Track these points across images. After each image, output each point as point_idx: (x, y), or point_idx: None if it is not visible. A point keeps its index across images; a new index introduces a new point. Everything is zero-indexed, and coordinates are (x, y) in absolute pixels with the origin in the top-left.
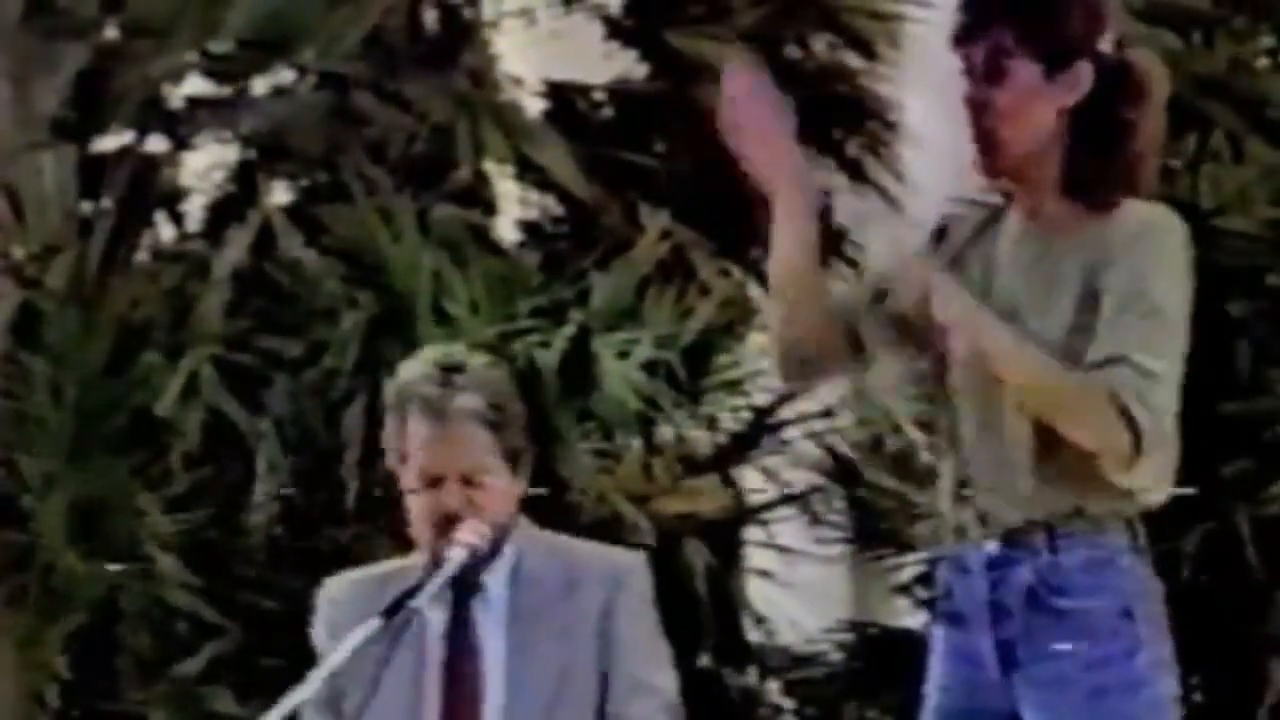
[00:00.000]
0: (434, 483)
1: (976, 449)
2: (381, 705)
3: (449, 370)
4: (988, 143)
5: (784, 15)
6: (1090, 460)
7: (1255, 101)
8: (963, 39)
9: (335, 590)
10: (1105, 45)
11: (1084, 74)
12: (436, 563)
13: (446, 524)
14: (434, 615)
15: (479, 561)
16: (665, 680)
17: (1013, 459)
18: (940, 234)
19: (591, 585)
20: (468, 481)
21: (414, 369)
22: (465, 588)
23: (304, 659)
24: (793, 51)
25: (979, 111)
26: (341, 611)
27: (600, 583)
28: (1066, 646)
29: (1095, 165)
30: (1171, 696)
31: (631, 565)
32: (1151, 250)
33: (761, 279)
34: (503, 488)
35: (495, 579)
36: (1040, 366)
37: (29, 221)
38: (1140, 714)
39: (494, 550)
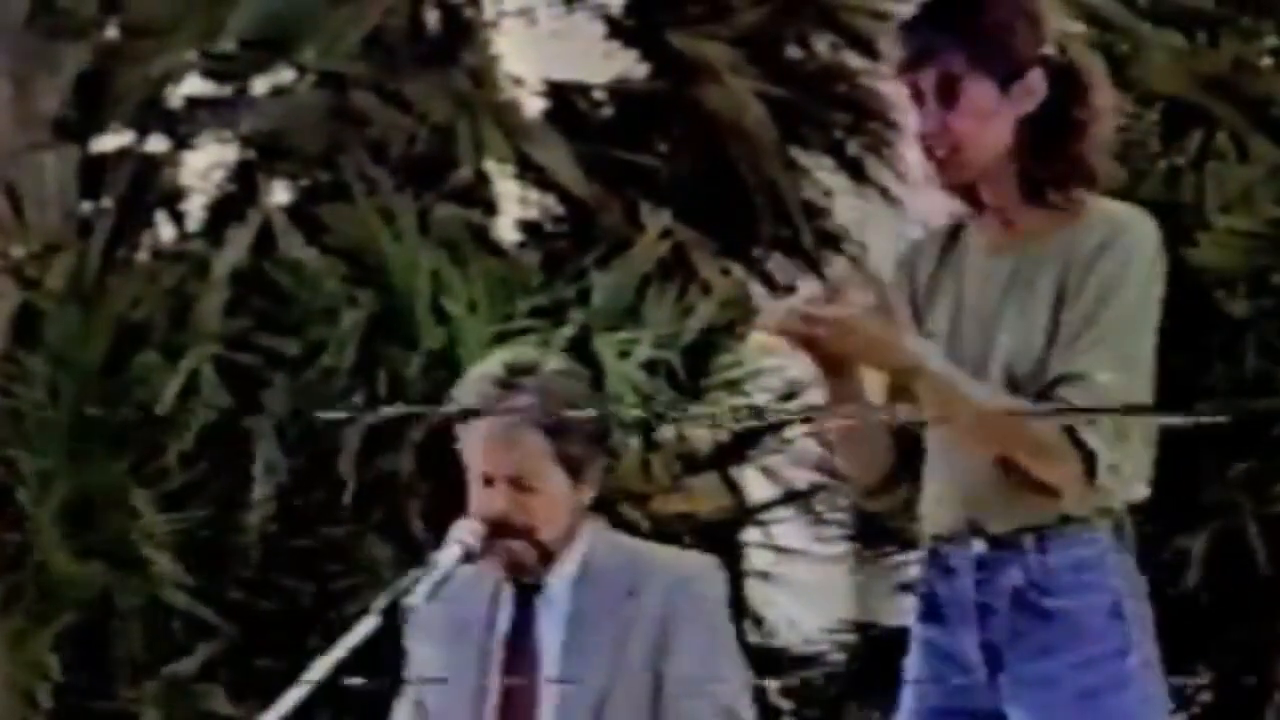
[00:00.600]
0: (488, 482)
1: (953, 463)
2: (449, 702)
3: (517, 371)
4: (946, 164)
5: (784, 15)
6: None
7: (1260, 101)
8: (909, 67)
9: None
10: (1049, 49)
11: (1037, 81)
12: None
13: (496, 526)
14: (503, 612)
15: (526, 572)
16: (726, 685)
17: (991, 469)
18: (909, 264)
19: (654, 588)
20: (518, 485)
21: (485, 367)
22: (526, 588)
23: (300, 658)
24: (793, 51)
25: (936, 136)
26: (421, 610)
27: (664, 586)
28: (1056, 647)
29: (1048, 167)
30: (1160, 694)
31: (699, 569)
32: (1119, 259)
33: (762, 278)
34: (558, 494)
35: (559, 580)
36: (989, 402)
37: (29, 221)
38: (1132, 713)
39: (547, 555)
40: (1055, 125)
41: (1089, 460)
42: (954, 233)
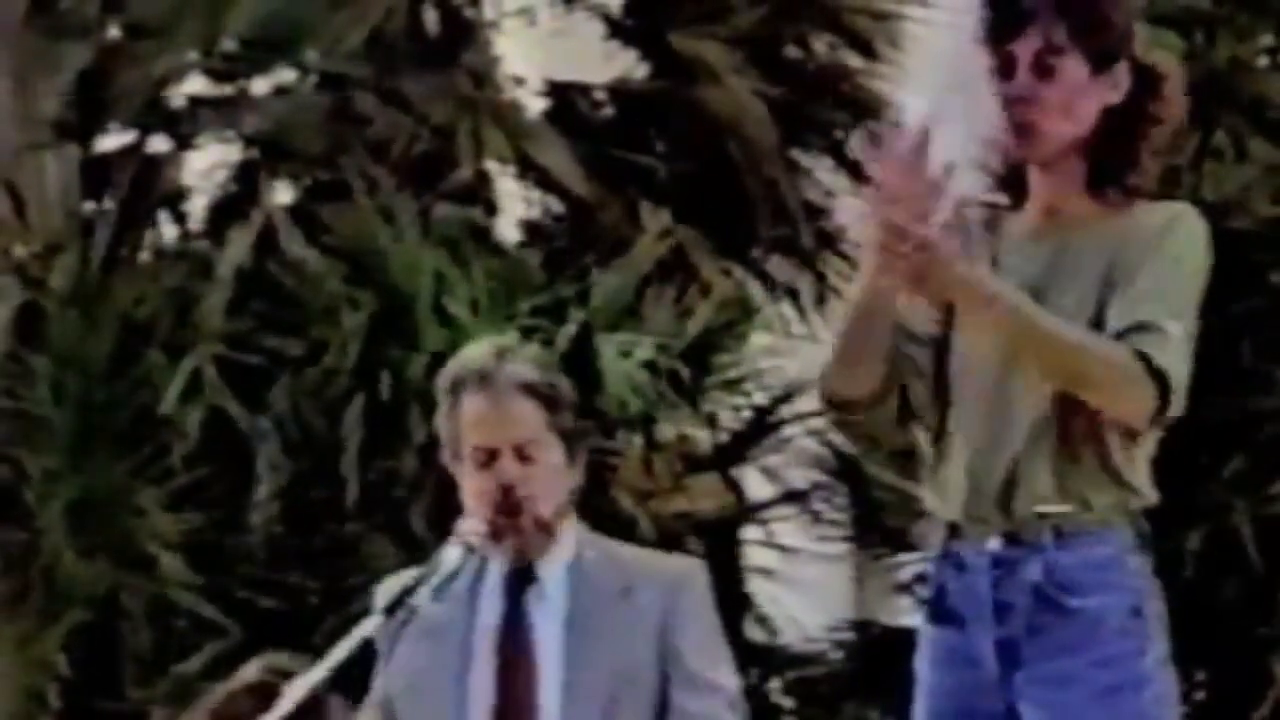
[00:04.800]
0: (488, 460)
1: (977, 446)
2: (426, 699)
3: (501, 350)
4: (1030, 137)
5: (784, 15)
6: (1096, 453)
7: (1256, 101)
8: (1006, 34)
9: (392, 586)
10: (1137, 48)
11: (1123, 74)
12: (495, 538)
13: (503, 499)
14: (486, 608)
15: (528, 552)
16: (728, 680)
17: (1018, 454)
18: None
19: (649, 590)
20: (522, 456)
21: (467, 352)
22: (519, 581)
23: (304, 657)
24: (793, 51)
25: (1025, 106)
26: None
27: (658, 588)
28: (1075, 645)
29: (1124, 162)
30: (1174, 694)
31: (688, 571)
32: (1181, 239)
33: (761, 278)
34: (557, 468)
35: (552, 574)
36: (1061, 328)
37: (32, 221)
38: (1149, 712)
39: (548, 533)
40: (1134, 121)
41: (1162, 384)
42: (990, 221)
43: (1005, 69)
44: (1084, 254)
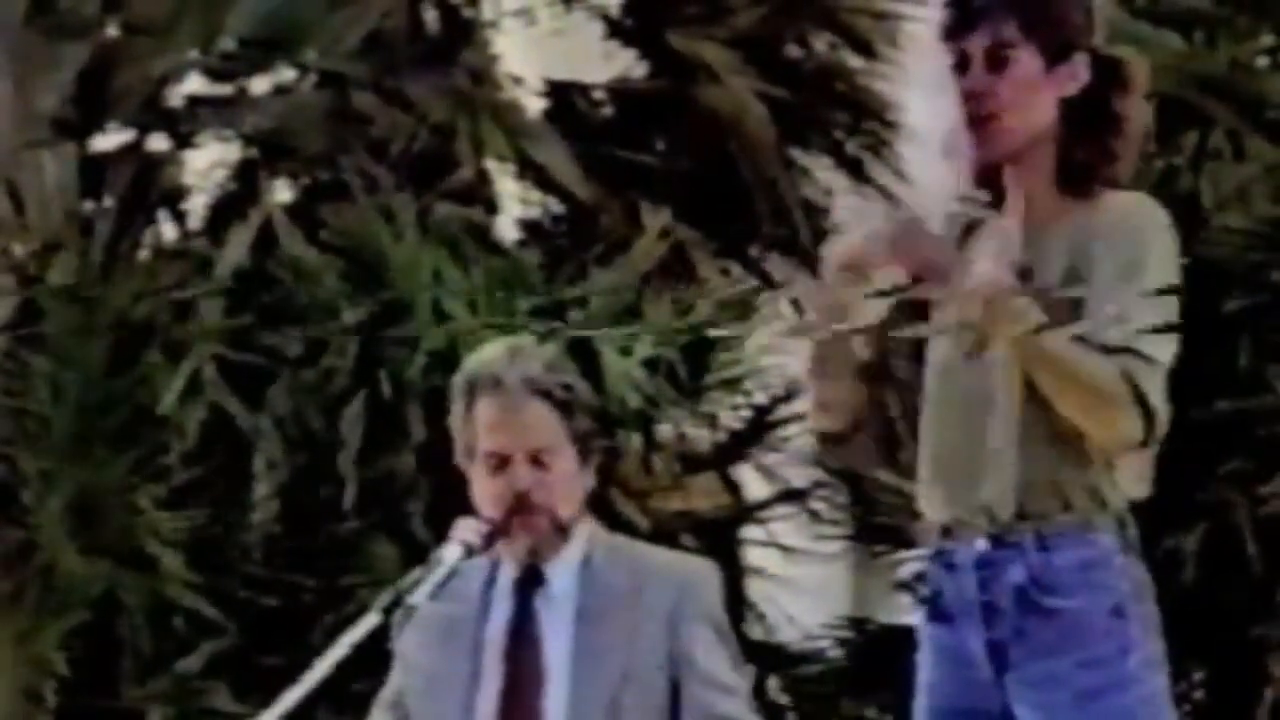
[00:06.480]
0: (502, 465)
1: (957, 447)
2: (437, 699)
3: (515, 352)
4: (986, 132)
5: (783, 15)
6: (1074, 453)
7: (1256, 101)
8: (959, 30)
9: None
10: (1097, 41)
11: (1081, 67)
12: (502, 535)
13: (517, 505)
14: (497, 609)
15: (540, 552)
16: (740, 681)
17: (997, 455)
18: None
19: (659, 590)
20: (536, 462)
21: (482, 353)
22: (527, 582)
23: (303, 656)
24: (792, 51)
25: (979, 101)
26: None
27: (668, 588)
28: (1059, 646)
29: (1089, 155)
30: (1164, 694)
31: (700, 572)
32: (1141, 232)
33: (761, 278)
34: (571, 472)
35: (561, 574)
36: (1070, 347)
37: (31, 219)
38: (1134, 713)
39: (563, 535)
40: (1096, 115)
41: (1149, 417)
42: (971, 224)
43: (961, 64)
44: (1049, 250)
